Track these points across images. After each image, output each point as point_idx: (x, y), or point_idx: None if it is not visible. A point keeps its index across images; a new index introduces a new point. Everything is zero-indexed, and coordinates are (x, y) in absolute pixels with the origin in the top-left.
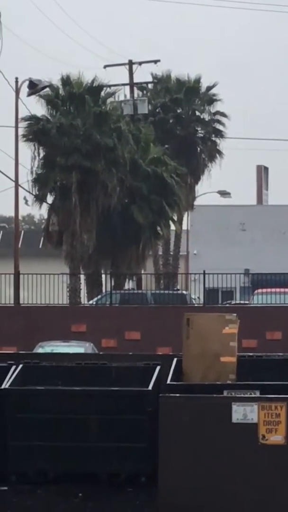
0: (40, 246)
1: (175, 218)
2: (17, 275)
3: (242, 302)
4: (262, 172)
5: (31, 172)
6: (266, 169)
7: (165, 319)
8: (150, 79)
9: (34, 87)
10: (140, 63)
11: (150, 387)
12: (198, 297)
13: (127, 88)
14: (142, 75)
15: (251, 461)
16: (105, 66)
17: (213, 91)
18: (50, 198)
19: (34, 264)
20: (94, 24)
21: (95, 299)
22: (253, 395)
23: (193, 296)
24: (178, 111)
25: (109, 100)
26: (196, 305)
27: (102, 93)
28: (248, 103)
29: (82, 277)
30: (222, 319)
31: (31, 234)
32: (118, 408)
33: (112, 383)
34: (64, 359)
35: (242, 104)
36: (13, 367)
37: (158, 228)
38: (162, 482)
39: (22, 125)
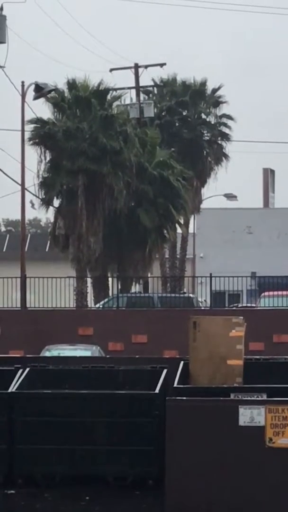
0: (47, 250)
1: (182, 221)
2: (23, 278)
3: (248, 305)
4: (269, 175)
5: (38, 176)
6: (272, 172)
7: (171, 322)
8: (156, 83)
9: (40, 91)
10: (146, 67)
11: (157, 390)
12: (205, 300)
13: (133, 91)
14: (148, 78)
15: (258, 464)
16: (111, 70)
17: (218, 93)
18: (56, 202)
19: (40, 267)
20: (101, 28)
21: (102, 302)
22: (260, 398)
23: (199, 299)
24: (184, 114)
25: (115, 104)
26: (202, 308)
27: (108, 97)
28: (254, 105)
29: (89, 280)
30: (228, 322)
31: (38, 237)
32: (125, 411)
33: (119, 387)
34: (71, 363)
35: (248, 106)
36: (20, 370)
37: (165, 231)
38: (169, 485)
39: (28, 128)
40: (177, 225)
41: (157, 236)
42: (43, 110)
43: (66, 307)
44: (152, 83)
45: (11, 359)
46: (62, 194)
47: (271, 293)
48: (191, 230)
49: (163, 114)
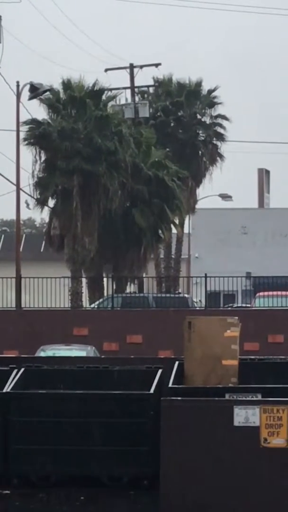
0: (42, 250)
1: (177, 221)
2: (18, 279)
3: (243, 305)
4: (264, 175)
5: (33, 176)
6: (267, 172)
7: (166, 323)
8: (151, 83)
9: (35, 91)
10: (141, 67)
11: (152, 391)
12: (200, 300)
13: (128, 91)
14: (144, 78)
15: (253, 464)
16: (106, 70)
17: (214, 94)
18: (51, 202)
19: (35, 267)
20: (96, 28)
21: (97, 302)
22: (255, 398)
23: (194, 300)
24: (179, 114)
25: (110, 104)
26: (197, 308)
27: (103, 97)
28: (249, 105)
29: (84, 280)
30: (223, 322)
31: (33, 238)
32: (120, 412)
33: (114, 387)
34: (66, 363)
35: (243, 106)
36: (15, 371)
37: (160, 232)
38: (164, 485)
39: (23, 129)
40: (172, 225)
41: (152, 236)
42: (38, 110)
43: (61, 307)
44: (147, 83)
45: (6, 359)
46: (57, 194)
47: (266, 293)
48: (186, 230)
49: (158, 114)
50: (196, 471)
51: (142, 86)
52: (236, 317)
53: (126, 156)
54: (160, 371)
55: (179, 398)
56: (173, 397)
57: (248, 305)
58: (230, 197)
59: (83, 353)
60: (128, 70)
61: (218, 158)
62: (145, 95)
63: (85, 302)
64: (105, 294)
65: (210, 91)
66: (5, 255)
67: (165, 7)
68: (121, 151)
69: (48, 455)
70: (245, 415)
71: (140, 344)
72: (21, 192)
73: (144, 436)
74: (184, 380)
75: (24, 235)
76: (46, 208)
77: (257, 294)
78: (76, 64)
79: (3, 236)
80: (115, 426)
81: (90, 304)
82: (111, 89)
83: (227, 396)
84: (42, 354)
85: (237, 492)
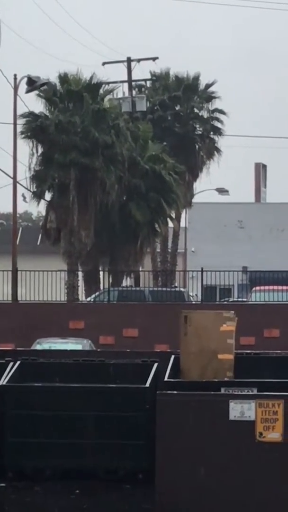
0: (38, 243)
1: (173, 215)
2: (15, 272)
3: (240, 299)
4: (261, 170)
5: (29, 169)
6: (264, 166)
7: (162, 316)
8: (149, 77)
9: (32, 84)
10: (138, 61)
11: (147, 384)
12: (196, 295)
13: (126, 85)
14: (141, 72)
15: (248, 459)
16: (103, 63)
17: (211, 88)
18: (48, 195)
19: (32, 261)
20: (93, 21)
21: (93, 296)
22: (250, 393)
23: (191, 294)
24: (177, 108)
25: (107, 98)
26: (193, 302)
27: (101, 91)
28: (246, 99)
29: (80, 274)
30: (219, 317)
31: (29, 231)
32: (115, 405)
33: (110, 380)
34: (62, 356)
35: (240, 100)
36: (11, 364)
37: (156, 226)
38: (159, 479)
39: (21, 122)
40: (168, 219)
41: (148, 230)
42: (36, 103)
43: (57, 300)
44: (144, 77)
45: (2, 352)
46: (54, 187)
47: (262, 287)
48: (182, 224)
49: (155, 108)
50: (191, 465)
51: (139, 80)
52: (232, 312)
53: (123, 150)
54: (156, 365)
55: (174, 392)
56: (168, 391)
57: (244, 300)
58: (227, 191)
59: (79, 347)
60: (125, 64)
61: (215, 152)
62: (143, 89)
63: (81, 295)
64: (101, 287)
65: (208, 86)
66: (2, 248)
67: (163, 1)
68: (118, 144)
69: (44, 448)
70: (240, 410)
71: (136, 338)
72: (18, 185)
73: (140, 429)
74: (180, 374)
75: (20, 228)
76: (42, 201)
77: (254, 289)
78: (73, 58)
79: None
80: (110, 420)
81: (86, 298)
82: (108, 83)
83: (222, 390)
84: (38, 347)
85: (232, 486)
